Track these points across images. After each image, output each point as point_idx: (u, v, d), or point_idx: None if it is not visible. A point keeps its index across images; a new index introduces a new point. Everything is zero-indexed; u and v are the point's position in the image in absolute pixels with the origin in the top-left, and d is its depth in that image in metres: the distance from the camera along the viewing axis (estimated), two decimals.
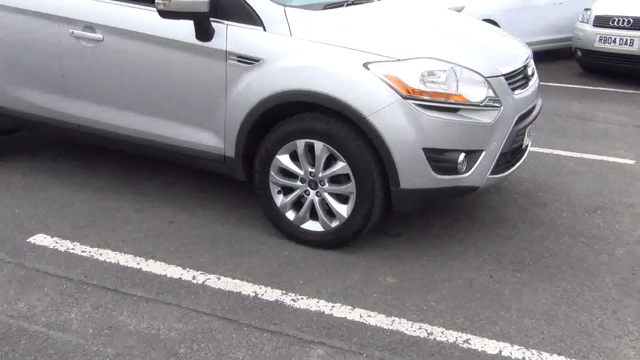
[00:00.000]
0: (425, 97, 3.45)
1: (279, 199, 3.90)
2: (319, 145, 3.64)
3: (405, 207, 3.65)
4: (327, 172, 3.69)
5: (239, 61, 3.75)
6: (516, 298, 3.39)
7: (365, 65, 3.50)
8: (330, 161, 3.68)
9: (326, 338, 2.98)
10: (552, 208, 4.60)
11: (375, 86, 3.47)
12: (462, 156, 3.54)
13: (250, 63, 3.72)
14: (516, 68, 3.88)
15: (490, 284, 3.53)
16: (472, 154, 3.59)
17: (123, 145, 4.36)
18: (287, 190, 3.90)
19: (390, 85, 3.45)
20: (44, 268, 3.54)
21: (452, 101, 3.48)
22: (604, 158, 5.72)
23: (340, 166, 3.63)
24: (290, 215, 3.90)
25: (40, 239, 3.87)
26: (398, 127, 3.46)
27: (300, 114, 3.70)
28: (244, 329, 3.04)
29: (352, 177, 3.62)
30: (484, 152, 3.61)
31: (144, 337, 2.96)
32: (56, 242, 3.83)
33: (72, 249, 3.76)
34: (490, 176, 3.72)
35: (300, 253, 3.80)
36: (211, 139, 3.99)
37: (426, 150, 3.49)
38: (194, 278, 3.47)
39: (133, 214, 4.27)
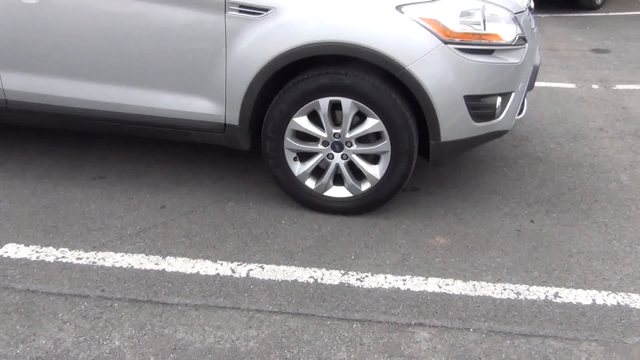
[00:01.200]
0: (465, 40, 3.15)
1: (296, 167, 3.45)
2: (346, 103, 3.23)
3: (442, 160, 3.38)
4: (355, 131, 3.30)
5: (241, 11, 3.18)
6: (569, 241, 3.30)
7: (399, 8, 3.10)
8: (355, 120, 3.29)
9: (422, 318, 2.69)
10: (537, 141, 4.58)
11: (413, 31, 3.10)
12: (499, 100, 3.32)
13: (257, 13, 3.17)
14: (527, 1, 3.69)
15: (536, 230, 3.41)
16: (504, 97, 3.38)
17: (96, 124, 3.62)
18: (305, 157, 3.46)
19: (429, 30, 3.10)
20: (42, 288, 2.86)
21: (488, 42, 3.22)
22: (548, 84, 5.83)
23: (373, 124, 3.25)
24: (310, 183, 3.48)
25: (14, 251, 3.13)
26: (440, 75, 3.14)
27: (319, 70, 3.24)
28: (328, 323, 2.66)
29: (386, 135, 3.26)
30: (513, 94, 3.41)
31: (221, 354, 2.48)
32: (37, 252, 3.11)
33: (63, 257, 3.08)
34: (517, 117, 3.56)
35: (328, 226, 3.43)
36: (208, 105, 3.41)
37: (467, 98, 3.22)
38: (233, 271, 2.99)
39: (111, 204, 3.60)
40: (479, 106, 3.28)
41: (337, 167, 3.41)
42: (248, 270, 2.99)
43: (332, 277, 2.96)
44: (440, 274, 3.00)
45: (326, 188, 3.47)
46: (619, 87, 5.83)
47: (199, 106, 3.42)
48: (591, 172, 4.09)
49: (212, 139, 3.52)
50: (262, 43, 3.19)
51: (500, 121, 3.41)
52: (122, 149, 4.26)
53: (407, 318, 2.69)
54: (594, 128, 4.83)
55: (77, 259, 3.06)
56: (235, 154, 4.12)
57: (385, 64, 3.12)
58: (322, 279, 2.94)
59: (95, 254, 3.11)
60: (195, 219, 3.44)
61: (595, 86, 5.83)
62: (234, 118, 3.39)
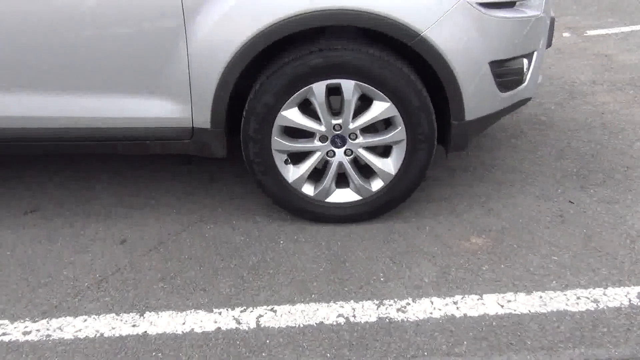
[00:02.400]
0: None
1: (289, 171, 2.76)
2: (348, 86, 2.55)
3: (465, 144, 2.77)
4: (360, 120, 2.64)
5: None
6: (622, 222, 2.79)
7: None
8: (358, 106, 2.63)
9: (497, 354, 2.10)
10: (533, 103, 4.06)
11: None
12: (525, 62, 2.74)
13: None
14: None
15: (579, 212, 2.88)
16: (528, 59, 2.80)
17: (22, 146, 2.78)
18: (298, 158, 2.77)
19: None
20: None
21: None
22: None
23: (383, 108, 2.60)
24: (308, 189, 2.80)
25: None
26: (462, 39, 2.52)
27: (308, 48, 2.54)
28: None
29: (399, 120, 2.62)
30: (536, 53, 2.84)
31: None
32: None
33: (2, 334, 2.28)
34: (538, 81, 3.00)
35: (338, 240, 2.78)
36: (168, 107, 2.65)
37: (492, 65, 2.62)
38: (238, 322, 2.29)
39: (54, 245, 2.80)
40: (506, 72, 2.69)
41: (340, 165, 2.74)
42: (257, 318, 2.30)
43: (365, 311, 2.32)
44: (495, 287, 2.42)
45: (328, 193, 2.80)
46: (590, 32, 5.41)
47: (157, 109, 2.65)
48: (607, 134, 3.60)
49: (177, 148, 2.76)
50: (233, 19, 2.45)
51: (525, 87, 2.84)
52: (58, 172, 3.41)
53: (478, 356, 2.09)
54: (586, 82, 4.36)
55: (24, 333, 2.27)
56: (196, 160, 3.37)
57: (396, 31, 2.46)
58: (354, 316, 2.30)
59: (48, 322, 2.33)
60: (169, 252, 2.70)
61: (566, 34, 5.39)
62: (204, 120, 2.65)
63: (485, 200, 2.99)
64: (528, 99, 2.95)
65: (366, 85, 2.55)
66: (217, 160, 2.89)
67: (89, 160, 3.47)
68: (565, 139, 3.56)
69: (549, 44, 3.03)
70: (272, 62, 2.60)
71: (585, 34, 5.37)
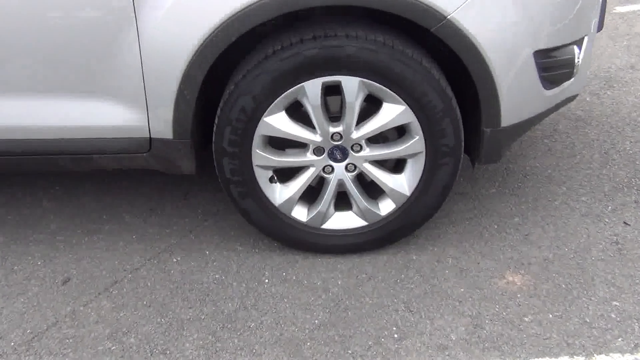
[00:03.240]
0: None
1: (276, 192, 2.17)
2: (350, 84, 1.96)
3: (497, 154, 2.18)
4: (366, 127, 2.05)
5: None
6: None
7: None
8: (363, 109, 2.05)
9: None
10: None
11: None
12: (576, 50, 2.14)
13: None
14: None
15: (639, 236, 2.30)
16: (578, 45, 2.20)
17: None
18: (287, 175, 2.19)
19: None
20: None
21: None
22: None
23: (396, 112, 2.01)
24: (300, 213, 2.22)
25: None
26: (499, 23, 1.93)
27: (300, 35, 1.94)
28: None
29: (417, 127, 2.03)
30: (586, 39, 2.23)
31: None
32: None
33: None
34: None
35: (338, 278, 2.22)
36: (116, 113, 2.06)
37: (538, 55, 2.03)
38: None
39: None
40: (553, 64, 2.11)
41: (341, 184, 2.16)
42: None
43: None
44: (543, 348, 1.85)
45: (325, 218, 2.22)
46: (619, 9, 4.78)
47: (102, 115, 2.06)
48: None
49: (133, 163, 2.17)
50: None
51: (573, 82, 2.25)
52: None
53: None
54: (623, 67, 3.75)
55: None
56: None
57: (416, 13, 1.86)
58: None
59: None
60: (123, 297, 2.12)
61: None
62: (164, 128, 2.06)
63: (521, 222, 2.41)
64: (574, 97, 2.36)
65: (374, 83, 1.96)
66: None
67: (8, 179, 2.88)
68: (609, 138, 2.97)
69: (600, 27, 2.43)
70: (251, 55, 2.00)
71: (613, 11, 4.74)
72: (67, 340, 1.95)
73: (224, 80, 2.07)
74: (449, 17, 1.86)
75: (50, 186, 2.73)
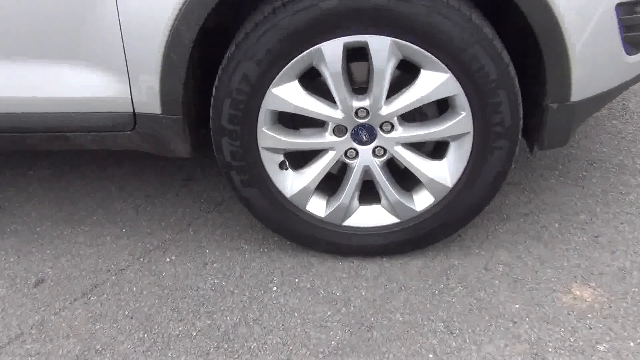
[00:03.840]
0: None
1: (287, 181, 1.78)
2: (380, 45, 1.56)
3: (566, 136, 1.74)
4: (399, 100, 1.63)
5: None
6: None
7: None
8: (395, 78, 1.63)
9: None
10: None
11: None
12: None
13: None
14: None
15: None
16: None
17: None
18: (301, 160, 1.79)
19: None
20: None
21: None
22: None
23: (438, 82, 1.60)
24: (317, 206, 1.81)
25: None
26: None
27: None
28: None
29: (465, 102, 1.60)
30: None
31: None
32: None
33: None
34: None
35: (362, 288, 1.81)
36: (91, 82, 1.69)
37: (621, 9, 1.58)
38: None
39: None
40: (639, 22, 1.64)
41: (367, 171, 1.75)
42: None
43: None
44: None
45: (348, 213, 1.81)
46: None
47: (76, 85, 1.69)
48: None
49: (116, 143, 1.80)
50: None
51: None
52: None
53: None
54: None
55: None
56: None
57: None
58: None
59: None
60: (102, 304, 1.76)
61: None
62: (150, 101, 1.67)
63: (588, 220, 1.97)
64: None
65: (410, 44, 1.54)
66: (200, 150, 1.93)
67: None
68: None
69: None
70: (256, 10, 1.60)
71: None
72: (29, 359, 1.60)
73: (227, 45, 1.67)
74: None
75: (40, 166, 2.38)
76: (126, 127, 1.73)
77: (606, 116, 2.53)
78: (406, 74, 1.66)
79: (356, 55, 1.62)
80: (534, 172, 2.21)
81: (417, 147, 1.74)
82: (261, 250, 1.93)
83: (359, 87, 1.67)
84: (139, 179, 2.29)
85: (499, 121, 1.62)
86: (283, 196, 1.78)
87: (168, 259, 1.91)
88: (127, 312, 1.72)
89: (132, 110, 1.70)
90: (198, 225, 2.06)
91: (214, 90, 1.66)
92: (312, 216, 1.81)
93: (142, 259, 1.92)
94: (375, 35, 1.54)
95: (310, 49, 1.56)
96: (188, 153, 1.79)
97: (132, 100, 1.68)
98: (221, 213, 2.10)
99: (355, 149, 1.72)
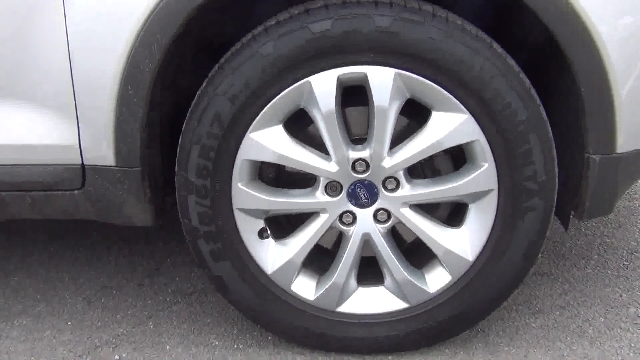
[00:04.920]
0: None
1: (268, 253, 1.43)
2: (382, 78, 1.28)
3: (609, 201, 1.41)
4: (406, 149, 1.33)
5: None
6: None
7: None
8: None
9: None
10: None
11: None
12: None
13: None
14: None
15: None
16: None
17: None
18: (285, 226, 1.45)
19: None
20: None
21: None
22: None
23: (454, 126, 1.29)
24: (305, 288, 1.45)
25: None
26: None
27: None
28: None
29: (487, 151, 1.29)
30: None
31: None
32: None
33: None
34: None
35: None
36: (30, 123, 1.38)
37: None
38: None
39: None
40: None
41: (367, 242, 1.40)
42: None
43: None
44: None
45: (343, 296, 1.44)
46: None
47: (12, 128, 1.38)
48: None
49: (57, 208, 1.46)
50: None
51: None
52: None
53: None
54: None
55: None
56: (94, 228, 2.08)
57: None
58: None
59: None
60: None
61: None
62: (103, 149, 1.36)
63: None
64: None
65: (419, 77, 1.26)
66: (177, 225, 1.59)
67: None
68: None
69: None
70: (230, 39, 1.34)
71: None
72: None
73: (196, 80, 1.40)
74: None
75: None
76: (73, 184, 1.41)
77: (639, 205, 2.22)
78: (414, 121, 1.37)
79: (354, 98, 1.35)
80: (566, 262, 1.86)
81: (428, 210, 1.42)
82: (235, 346, 1.54)
83: (358, 138, 1.38)
84: (96, 266, 1.94)
85: (530, 174, 1.31)
86: (262, 272, 1.42)
87: (117, 357, 1.52)
88: None
89: (80, 162, 1.39)
90: (160, 318, 1.67)
91: (181, 138, 1.36)
92: (298, 299, 1.44)
93: (84, 357, 1.52)
94: (376, 66, 1.26)
95: (298, 83, 1.28)
96: (149, 221, 1.46)
97: (80, 148, 1.37)
98: (190, 305, 1.73)
99: (352, 213, 1.39)
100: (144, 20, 1.25)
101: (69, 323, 1.67)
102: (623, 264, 1.84)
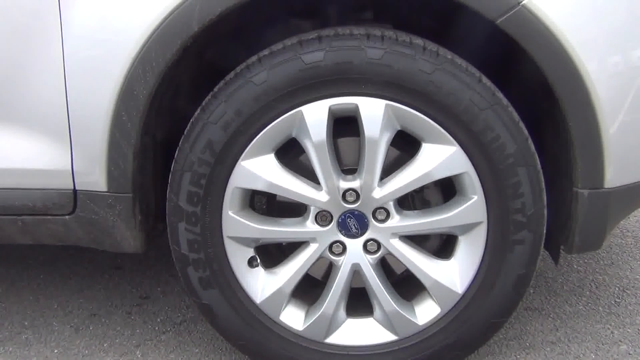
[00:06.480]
0: None
1: (257, 282, 1.43)
2: (373, 109, 1.30)
3: (598, 236, 1.42)
4: (396, 180, 1.33)
5: None
6: None
7: None
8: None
9: None
10: None
11: None
12: None
13: None
14: None
15: None
16: None
17: None
18: (275, 256, 1.46)
19: None
20: None
21: None
22: None
23: (443, 158, 1.30)
24: (294, 318, 1.45)
25: None
26: (602, 12, 1.27)
27: (292, 32, 1.32)
28: None
29: (477, 183, 1.31)
30: None
31: None
32: None
33: None
34: None
35: None
36: (20, 147, 1.39)
37: None
38: None
39: None
40: None
41: (356, 273, 1.40)
42: None
43: None
44: None
45: (332, 327, 1.43)
46: None
47: (4, 153, 1.39)
48: None
49: (47, 233, 1.46)
50: None
51: None
52: None
53: None
54: None
55: None
56: (83, 255, 2.08)
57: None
58: None
59: None
60: None
61: None
62: (95, 174, 1.37)
63: (632, 352, 1.60)
64: None
65: (409, 109, 1.28)
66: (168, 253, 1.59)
67: None
68: None
69: None
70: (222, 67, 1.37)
71: None
72: None
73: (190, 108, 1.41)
74: (523, 3, 1.21)
75: None
76: (64, 209, 1.42)
77: (632, 243, 2.22)
78: (405, 152, 1.39)
79: (344, 129, 1.37)
80: (557, 298, 1.86)
81: (418, 242, 1.42)
82: None
83: (349, 169, 1.39)
84: (86, 294, 1.93)
85: (519, 207, 1.32)
86: (251, 302, 1.42)
87: None
88: None
89: (72, 187, 1.40)
90: (148, 348, 1.66)
91: (173, 165, 1.37)
92: (286, 329, 1.43)
93: None
94: (367, 97, 1.28)
95: (290, 112, 1.30)
96: (139, 247, 1.46)
97: (72, 173, 1.38)
98: (179, 334, 1.72)
99: (342, 243, 1.39)
100: (140, 47, 1.27)
101: (56, 351, 1.65)
102: (615, 301, 1.83)
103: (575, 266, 2.04)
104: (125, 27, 1.28)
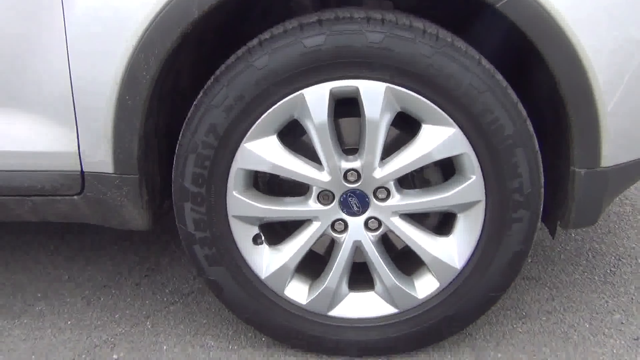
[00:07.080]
0: None
1: (262, 258, 1.48)
2: (373, 92, 1.32)
3: (595, 213, 1.45)
4: (397, 161, 1.36)
5: None
6: None
7: None
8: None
9: None
10: None
11: None
12: None
13: None
14: None
15: None
16: None
17: None
18: (279, 233, 1.50)
19: None
20: None
21: None
22: None
23: (443, 139, 1.33)
24: (298, 292, 1.50)
25: None
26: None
27: (294, 18, 1.33)
28: None
29: (475, 164, 1.34)
30: None
31: None
32: None
33: None
34: None
35: None
36: (26, 129, 1.42)
37: None
38: None
39: None
40: None
41: (358, 250, 1.44)
42: None
43: None
44: None
45: (334, 300, 1.49)
46: None
47: (14, 136, 1.43)
48: None
49: (56, 212, 1.51)
50: None
51: None
52: None
53: None
54: None
55: None
56: (92, 228, 2.13)
57: None
58: None
59: None
60: None
61: None
62: (101, 156, 1.40)
63: (625, 321, 1.65)
64: None
65: (409, 91, 1.30)
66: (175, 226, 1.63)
67: None
68: None
69: None
70: (227, 50, 1.38)
71: None
72: None
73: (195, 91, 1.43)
74: None
75: None
76: (72, 189, 1.45)
77: (630, 212, 2.25)
78: (404, 133, 1.41)
79: (346, 110, 1.39)
80: (554, 267, 1.90)
81: (418, 219, 1.46)
82: (230, 347, 1.58)
83: (350, 149, 1.41)
84: (95, 266, 1.99)
85: (516, 187, 1.35)
86: (257, 277, 1.47)
87: (115, 356, 1.57)
88: None
89: (79, 169, 1.43)
90: (158, 319, 1.72)
91: (177, 147, 1.40)
92: (291, 303, 1.49)
93: (83, 356, 1.57)
94: (368, 80, 1.30)
95: (291, 95, 1.32)
96: (146, 225, 1.50)
97: (80, 155, 1.41)
98: (187, 305, 1.78)
99: (344, 221, 1.43)
100: (142, 31, 1.29)
101: (69, 322, 1.72)
102: (610, 270, 1.88)
103: (573, 235, 2.08)
104: (127, 9, 1.29)
